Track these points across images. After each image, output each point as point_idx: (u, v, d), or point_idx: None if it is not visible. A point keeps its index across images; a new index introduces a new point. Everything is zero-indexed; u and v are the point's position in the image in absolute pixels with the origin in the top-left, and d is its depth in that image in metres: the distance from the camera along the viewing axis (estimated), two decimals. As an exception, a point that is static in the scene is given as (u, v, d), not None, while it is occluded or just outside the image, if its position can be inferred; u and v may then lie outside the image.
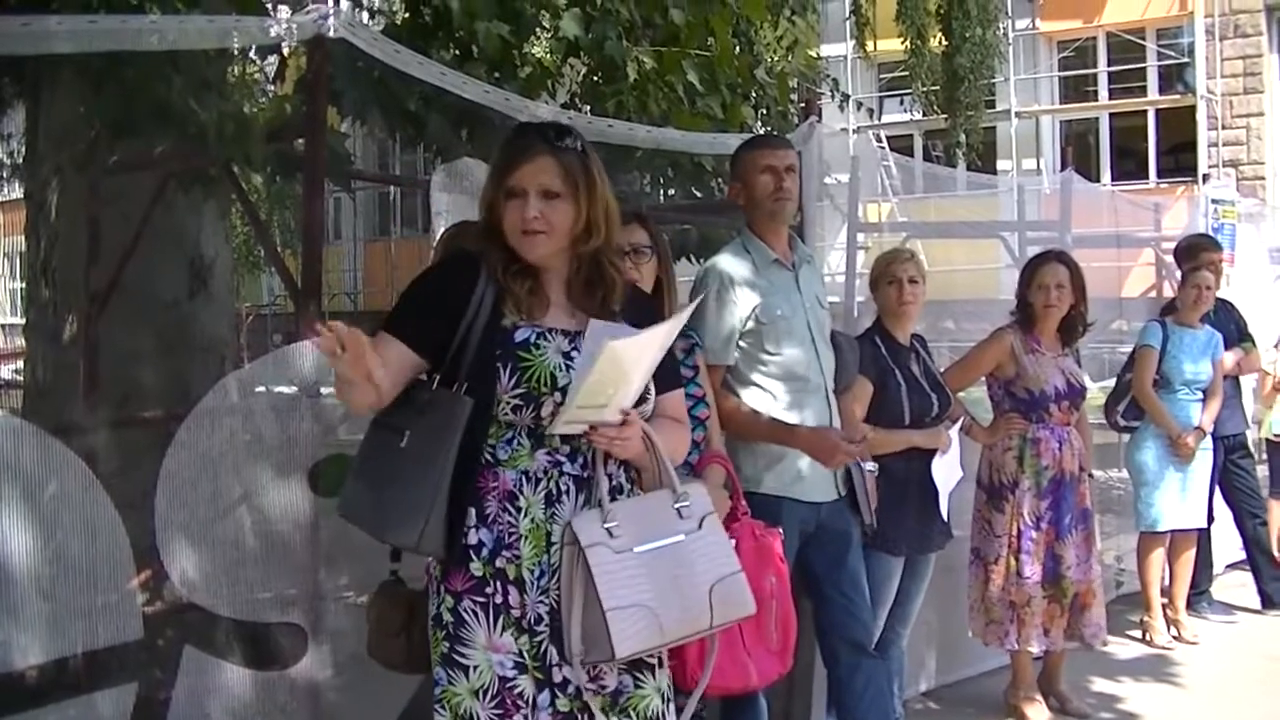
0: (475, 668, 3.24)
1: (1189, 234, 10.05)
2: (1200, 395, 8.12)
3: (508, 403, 3.29)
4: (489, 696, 3.23)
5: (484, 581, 3.26)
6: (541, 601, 3.28)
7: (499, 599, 3.25)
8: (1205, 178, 18.73)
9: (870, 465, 5.33)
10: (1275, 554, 9.28)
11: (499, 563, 3.26)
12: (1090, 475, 6.81)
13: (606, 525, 3.28)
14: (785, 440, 4.90)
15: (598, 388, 3.19)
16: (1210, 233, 10.75)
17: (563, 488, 3.33)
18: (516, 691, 3.24)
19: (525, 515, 3.28)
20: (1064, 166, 10.48)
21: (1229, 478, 8.81)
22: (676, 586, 3.33)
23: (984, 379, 6.76)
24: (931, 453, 5.80)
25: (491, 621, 3.25)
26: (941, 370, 6.35)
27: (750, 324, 4.91)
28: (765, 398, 4.94)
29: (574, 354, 3.35)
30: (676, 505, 3.43)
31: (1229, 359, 8.50)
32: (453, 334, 3.29)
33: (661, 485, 3.46)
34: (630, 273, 4.42)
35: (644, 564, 3.29)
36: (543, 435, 3.31)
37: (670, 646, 3.43)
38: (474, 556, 3.25)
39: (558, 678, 3.29)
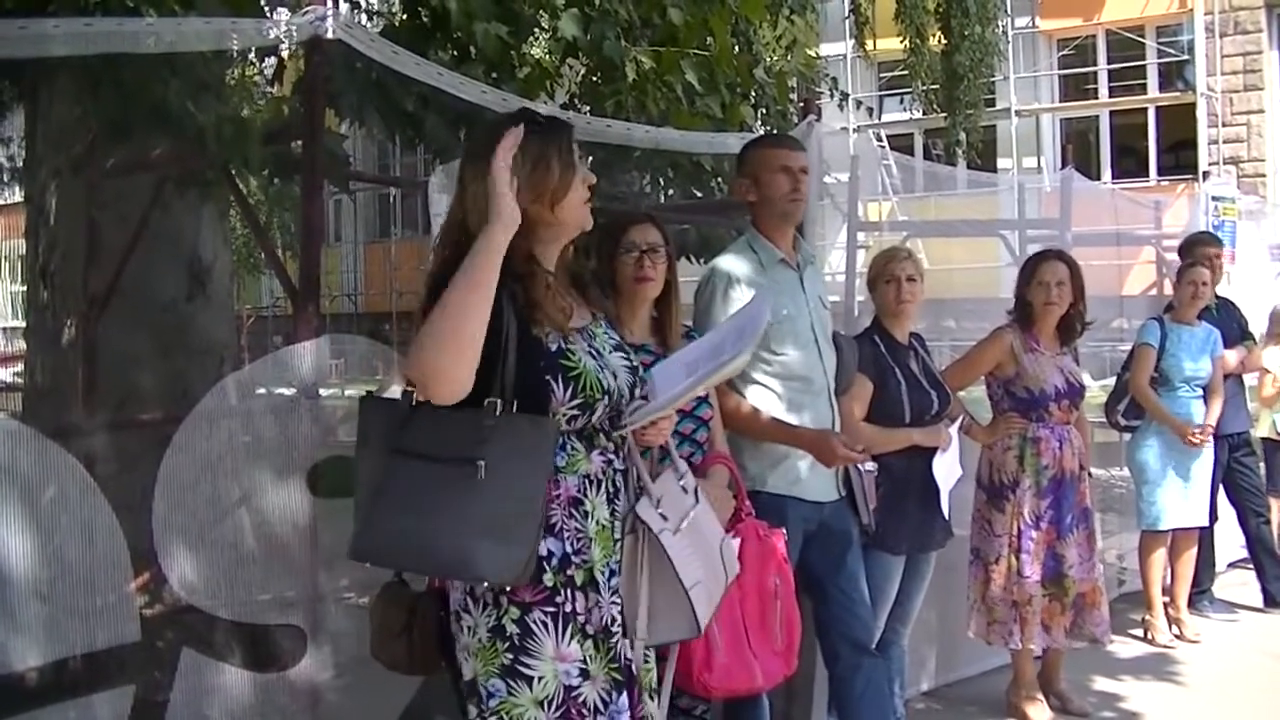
0: (540, 678, 3.18)
1: (1191, 231, 10.06)
2: (1200, 393, 8.12)
3: (565, 414, 3.27)
4: (553, 707, 3.19)
5: (555, 591, 3.22)
6: (615, 601, 3.31)
7: (568, 607, 3.23)
8: (1206, 175, 18.74)
9: (869, 465, 5.31)
10: (1278, 552, 9.29)
11: (569, 570, 3.24)
12: (1090, 474, 6.80)
13: (659, 510, 3.40)
14: (787, 440, 4.90)
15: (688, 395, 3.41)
16: (1211, 230, 10.76)
17: (617, 484, 3.38)
18: (581, 700, 3.22)
19: (591, 519, 3.29)
20: (1064, 164, 10.48)
21: (1233, 476, 8.79)
22: (707, 556, 3.53)
23: (983, 378, 6.75)
24: (932, 451, 5.79)
25: (560, 631, 3.21)
26: (941, 369, 6.34)
27: None
28: (768, 397, 4.93)
29: (595, 353, 3.37)
30: (680, 482, 3.56)
31: (1231, 357, 8.49)
32: (496, 355, 3.19)
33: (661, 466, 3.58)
34: (647, 272, 4.45)
35: (689, 540, 3.46)
36: (591, 436, 3.33)
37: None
38: (545, 567, 3.20)
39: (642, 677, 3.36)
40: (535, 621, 3.19)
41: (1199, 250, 8.72)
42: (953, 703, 7.00)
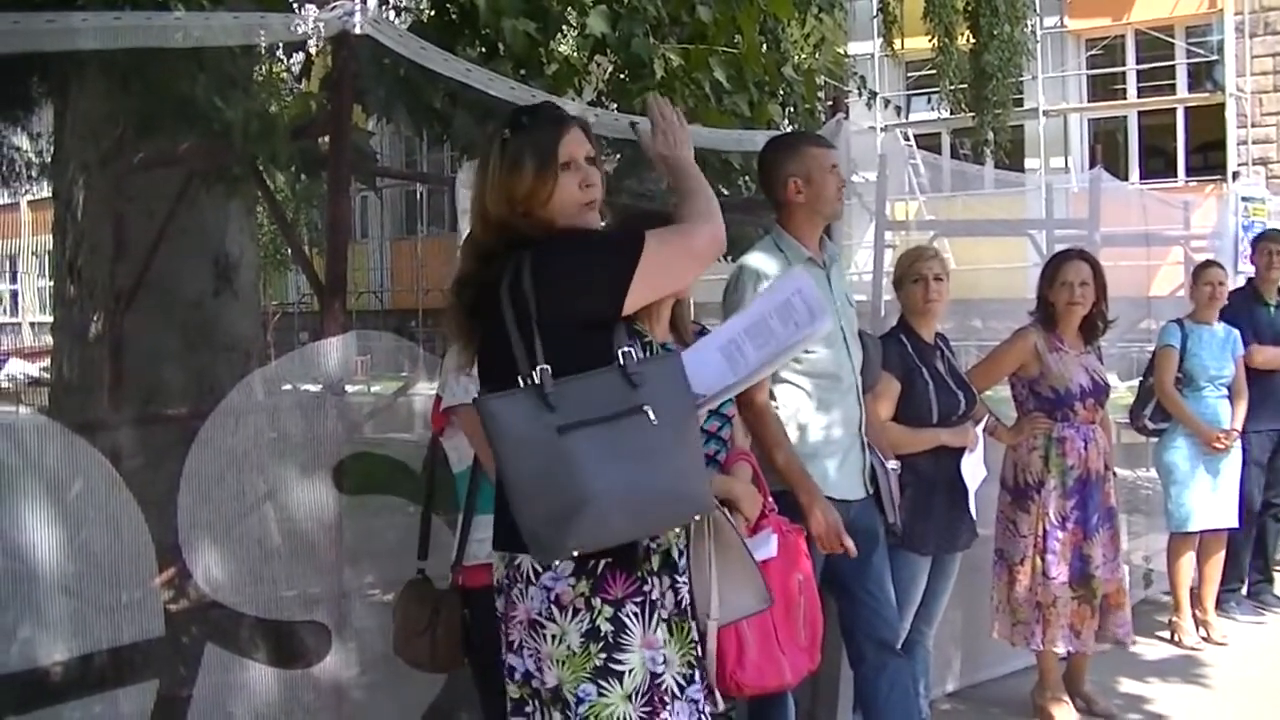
0: (630, 670, 3.16)
1: (1219, 232, 10.04)
2: (1225, 392, 8.10)
3: None
4: (640, 697, 3.17)
5: (643, 579, 3.20)
6: (684, 582, 3.31)
7: (654, 594, 3.21)
8: (1235, 175, 18.67)
9: (893, 464, 5.30)
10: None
11: (652, 556, 3.23)
12: (1114, 474, 6.77)
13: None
14: (794, 481, 4.84)
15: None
16: (1241, 231, 10.74)
17: None
18: (664, 688, 3.21)
19: None
20: (1093, 164, 10.46)
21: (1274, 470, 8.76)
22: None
23: (1007, 378, 6.72)
24: (958, 451, 5.78)
25: (647, 619, 3.19)
26: (966, 369, 6.32)
27: None
28: (797, 395, 4.91)
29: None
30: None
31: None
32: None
33: None
34: None
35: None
36: None
37: None
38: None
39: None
40: (628, 615, 3.17)
41: (1262, 245, 8.84)
42: (978, 704, 6.97)
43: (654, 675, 3.18)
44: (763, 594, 3.40)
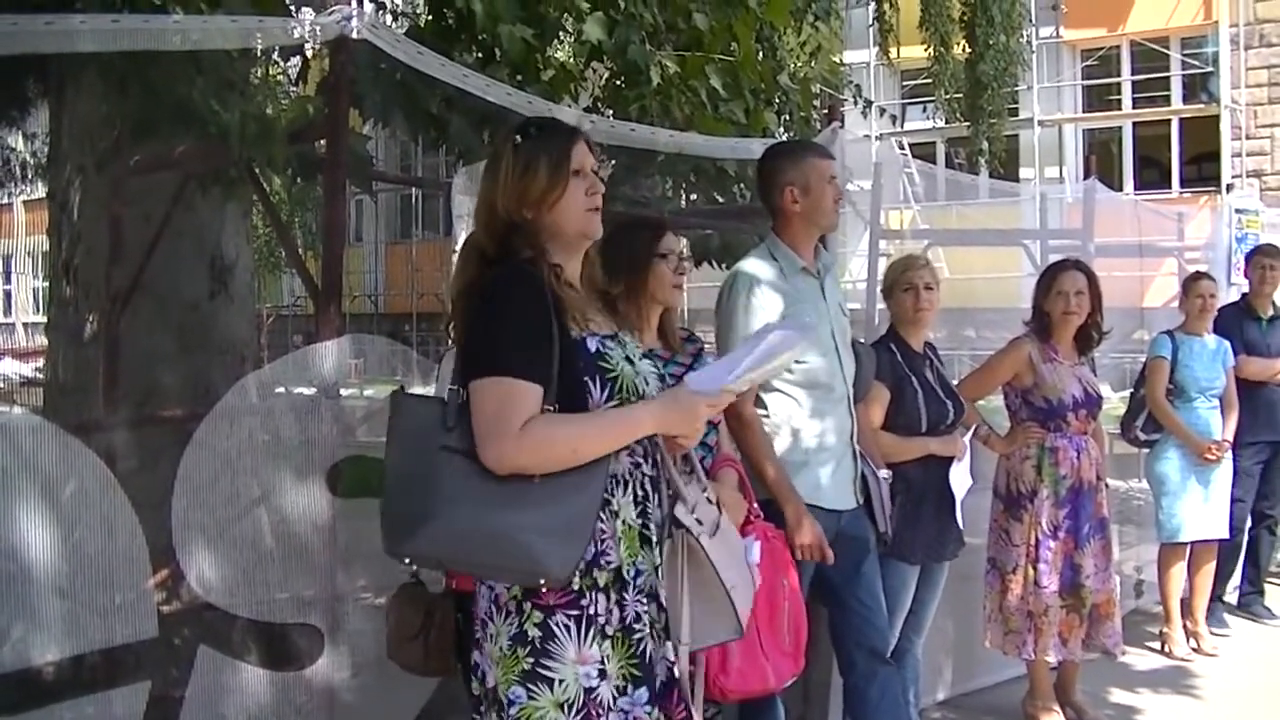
0: (561, 681, 3.16)
1: (1213, 244, 10.07)
2: (1217, 403, 8.13)
3: None
4: (574, 710, 3.17)
5: (580, 594, 3.19)
6: (639, 601, 3.28)
7: (591, 609, 3.20)
8: (1229, 187, 18.70)
9: (884, 473, 5.31)
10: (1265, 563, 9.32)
11: (595, 572, 3.21)
12: (1106, 484, 6.79)
13: (695, 515, 3.41)
14: (779, 491, 4.85)
15: (756, 377, 3.43)
16: (1234, 243, 10.77)
17: (646, 488, 3.35)
18: (598, 701, 3.20)
19: (617, 518, 3.26)
20: (1087, 175, 10.46)
21: (1270, 480, 8.80)
22: (739, 565, 3.55)
23: (1001, 388, 6.74)
24: (947, 461, 5.80)
25: (582, 634, 3.19)
26: (959, 378, 6.34)
27: None
28: (789, 404, 4.93)
29: (629, 359, 3.37)
30: (706, 494, 3.56)
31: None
32: (555, 357, 3.22)
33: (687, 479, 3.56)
34: (680, 279, 4.46)
35: (723, 545, 3.47)
36: None
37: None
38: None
39: (661, 675, 3.33)
40: (558, 625, 3.17)
41: (1258, 259, 8.89)
42: (968, 713, 6.99)
43: (588, 690, 3.19)
44: (734, 625, 3.40)
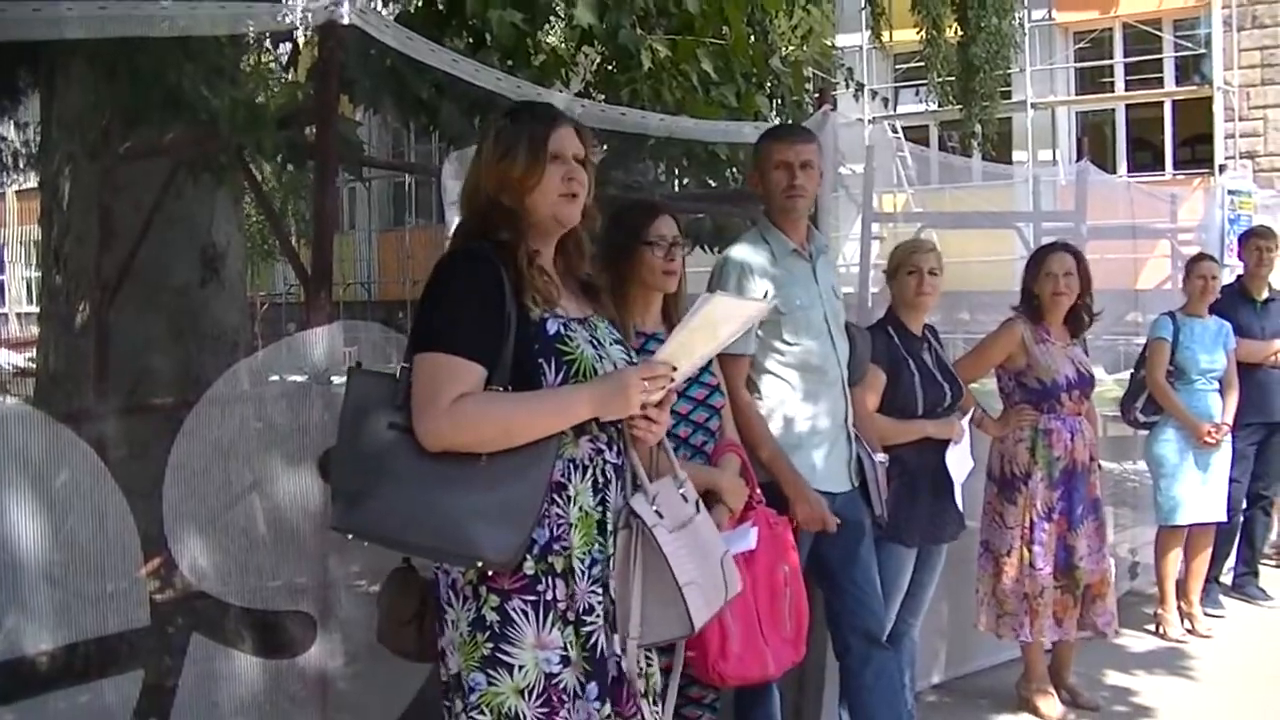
0: (521, 667, 3.17)
1: (1206, 224, 10.08)
2: (1217, 385, 8.14)
3: None
4: (534, 695, 3.18)
5: (535, 579, 3.19)
6: (593, 591, 3.27)
7: (549, 595, 3.20)
8: (1222, 169, 18.70)
9: (880, 456, 5.31)
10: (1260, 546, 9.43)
11: (550, 558, 3.21)
12: (1100, 465, 6.79)
13: (655, 507, 3.36)
14: (776, 470, 4.85)
15: (689, 343, 3.36)
16: (1227, 224, 10.79)
17: (608, 475, 3.34)
18: (561, 686, 3.20)
19: (574, 504, 3.25)
20: (1080, 157, 10.46)
21: (1264, 460, 8.83)
22: (706, 564, 3.47)
23: (994, 370, 6.74)
24: (944, 443, 5.79)
25: (541, 619, 3.19)
26: (953, 361, 6.33)
27: (768, 313, 4.88)
28: (782, 387, 4.92)
29: (596, 343, 3.37)
30: (680, 490, 3.52)
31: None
32: (505, 338, 3.22)
33: (661, 472, 3.54)
34: (675, 265, 4.43)
35: (686, 543, 3.41)
36: (582, 424, 3.27)
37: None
38: (526, 555, 3.18)
39: (614, 669, 3.31)
40: (515, 610, 3.18)
41: (1252, 242, 8.92)
42: (964, 695, 7.00)
43: (549, 675, 3.19)
44: (686, 623, 3.37)
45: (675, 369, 3.33)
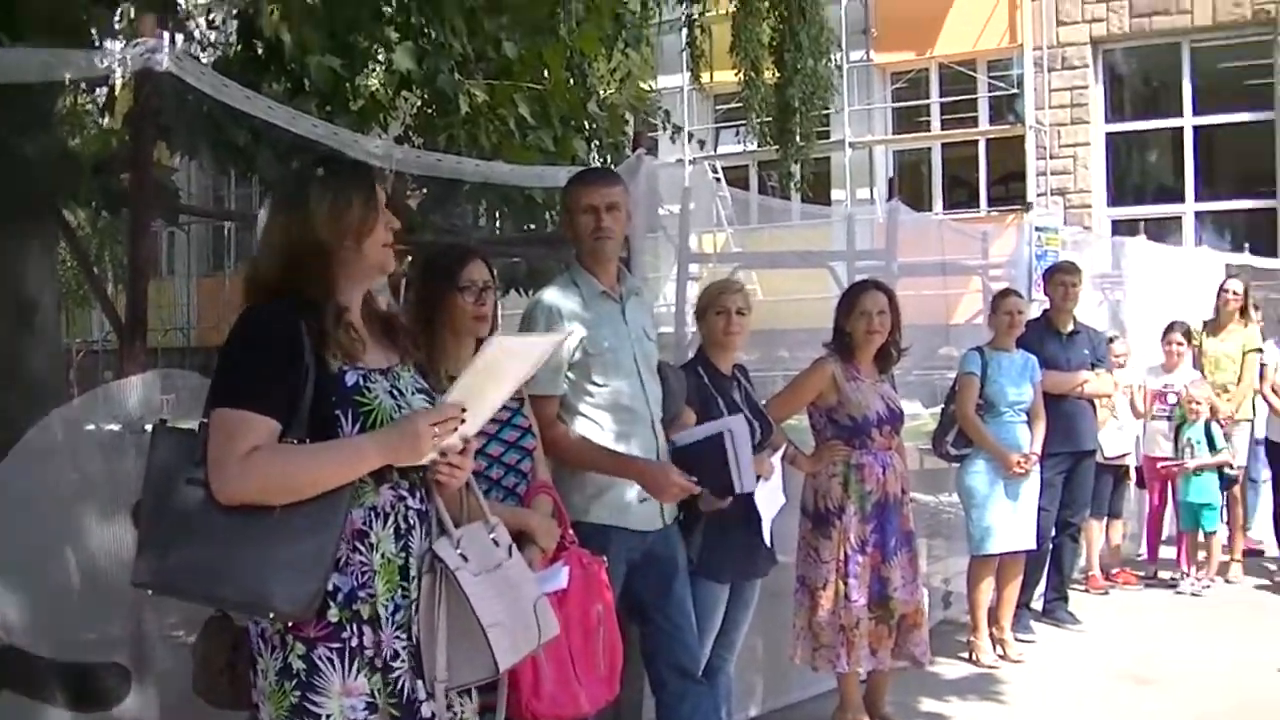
0: (328, 716, 3.17)
1: (1015, 261, 10.38)
2: (1024, 418, 8.34)
3: None
4: None
5: (340, 626, 3.20)
6: (398, 637, 3.28)
7: (354, 642, 3.21)
8: (1029, 206, 19.15)
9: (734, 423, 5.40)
10: (1095, 573, 9.78)
11: (355, 605, 3.22)
12: (912, 498, 6.93)
13: (460, 551, 3.37)
14: (617, 470, 4.95)
15: (476, 385, 3.36)
16: (1035, 260, 11.12)
17: (410, 521, 3.35)
18: None
19: (376, 551, 3.26)
20: (890, 196, 10.69)
21: (1070, 487, 9.16)
22: (515, 607, 3.48)
23: (805, 408, 6.85)
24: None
25: (347, 666, 3.19)
26: (768, 399, 6.44)
27: (578, 355, 4.94)
28: (592, 428, 4.98)
29: (396, 393, 3.38)
30: (491, 535, 3.54)
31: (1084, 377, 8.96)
32: (301, 392, 3.21)
33: (472, 516, 3.56)
34: (481, 309, 4.45)
35: (492, 585, 3.41)
36: (383, 472, 3.28)
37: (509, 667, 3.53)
38: (330, 603, 3.18)
39: (426, 712, 3.31)
40: (320, 658, 3.18)
41: (1057, 277, 9.23)
42: (781, 727, 7.08)
43: None
44: (491, 666, 3.41)
45: (465, 411, 3.35)
